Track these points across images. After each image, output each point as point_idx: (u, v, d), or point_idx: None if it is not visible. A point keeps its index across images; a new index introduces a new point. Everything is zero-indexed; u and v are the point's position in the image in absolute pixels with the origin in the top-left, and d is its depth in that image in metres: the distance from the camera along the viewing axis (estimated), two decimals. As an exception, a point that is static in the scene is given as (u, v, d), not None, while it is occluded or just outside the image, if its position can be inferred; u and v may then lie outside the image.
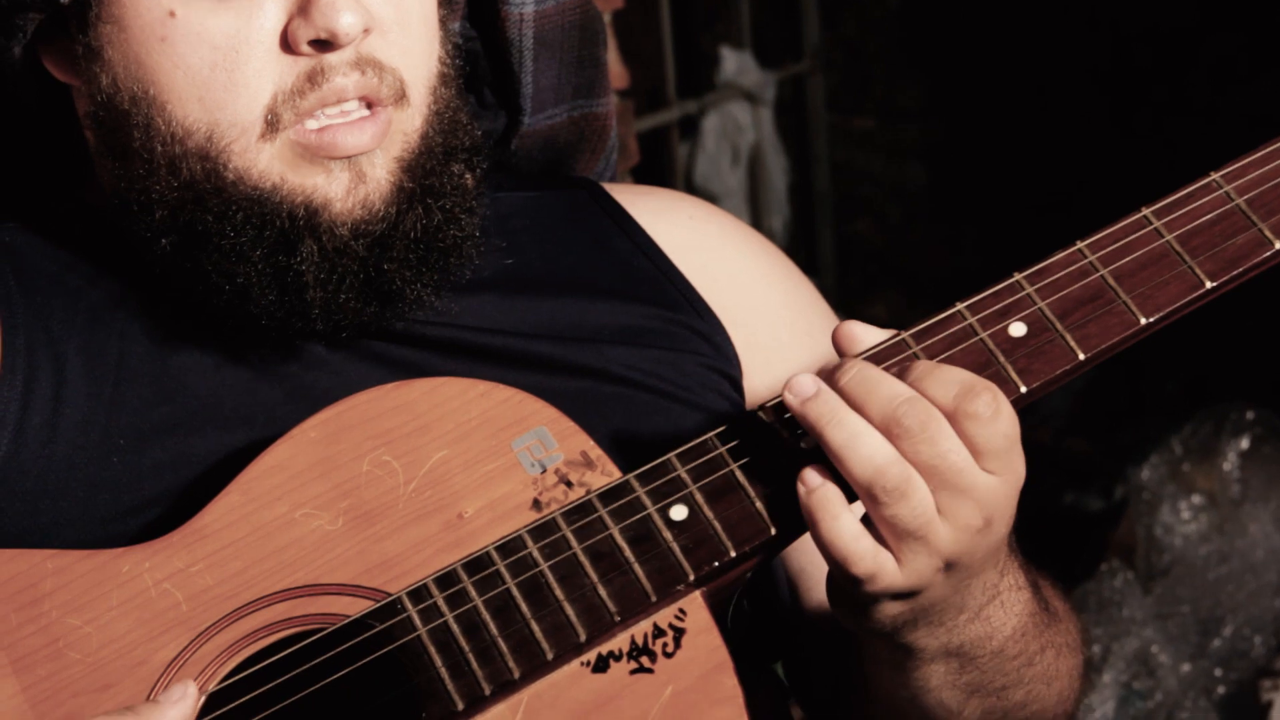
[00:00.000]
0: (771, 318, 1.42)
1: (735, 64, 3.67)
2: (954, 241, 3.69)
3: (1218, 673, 2.72)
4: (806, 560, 1.35)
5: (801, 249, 3.70)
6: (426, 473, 1.16)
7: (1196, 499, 2.88)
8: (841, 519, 1.10)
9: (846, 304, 3.49)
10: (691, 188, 3.62)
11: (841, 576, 1.12)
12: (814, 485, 1.11)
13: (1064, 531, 2.96)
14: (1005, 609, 1.20)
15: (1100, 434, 3.23)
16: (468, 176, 1.30)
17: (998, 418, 1.09)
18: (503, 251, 1.36)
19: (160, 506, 1.23)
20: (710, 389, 1.35)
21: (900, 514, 1.09)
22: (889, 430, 1.09)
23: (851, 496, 1.12)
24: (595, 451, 1.17)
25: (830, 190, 3.79)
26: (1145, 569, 2.86)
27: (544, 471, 1.17)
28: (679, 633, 1.12)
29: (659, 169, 3.51)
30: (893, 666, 1.20)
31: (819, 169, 3.77)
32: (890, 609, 1.14)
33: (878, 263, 3.79)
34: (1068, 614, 1.30)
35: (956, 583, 1.14)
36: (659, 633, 1.12)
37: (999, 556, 1.16)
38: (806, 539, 1.15)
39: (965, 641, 1.18)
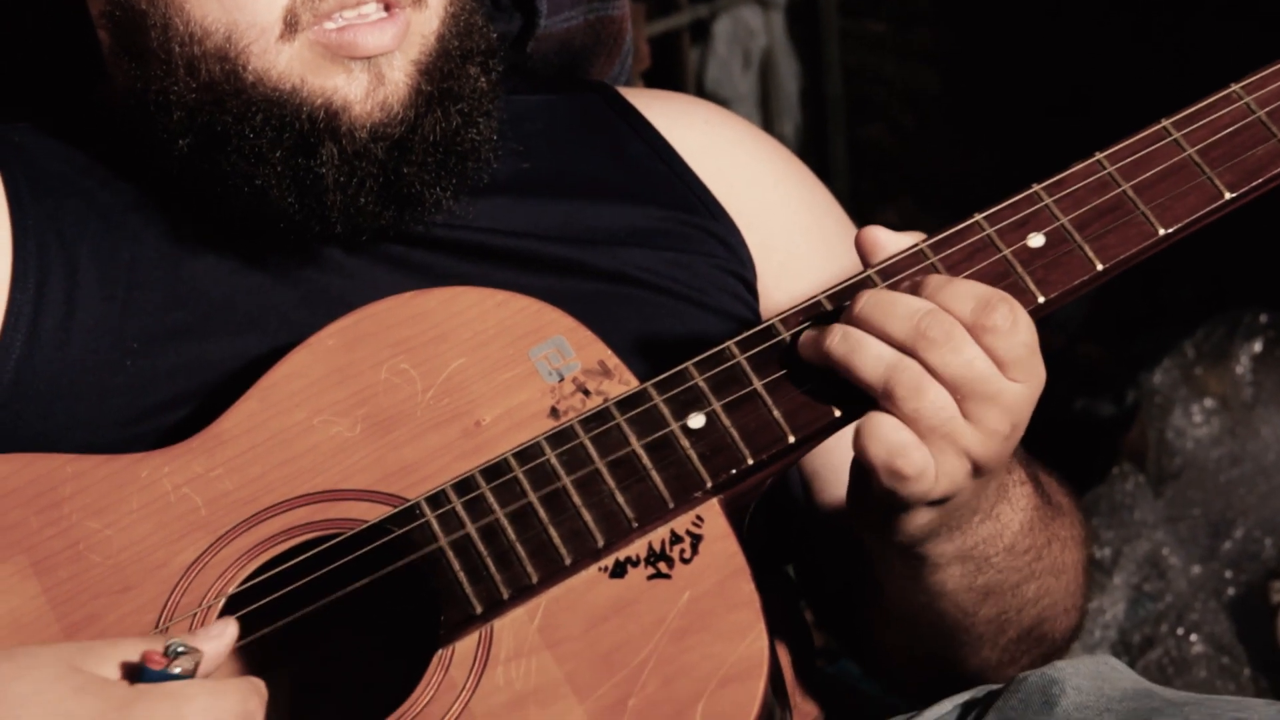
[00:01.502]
0: (787, 221, 1.42)
1: (747, -33, 3.64)
2: (967, 146, 3.67)
3: (1228, 575, 2.74)
4: (820, 462, 1.36)
5: (813, 154, 3.68)
6: (444, 380, 1.17)
7: (1208, 403, 2.89)
8: (881, 415, 1.11)
9: (859, 209, 3.48)
10: (702, 92, 3.60)
11: (887, 476, 1.11)
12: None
13: (1076, 436, 2.97)
14: (1013, 505, 1.21)
15: (1113, 340, 3.23)
16: (484, 80, 1.30)
17: (1016, 328, 1.10)
18: (518, 155, 1.36)
19: (173, 410, 1.24)
20: (725, 291, 1.35)
21: (922, 408, 1.09)
22: (914, 344, 1.10)
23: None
24: (613, 361, 1.17)
25: (842, 95, 3.76)
26: (1156, 473, 2.87)
27: (561, 380, 1.17)
28: (696, 539, 1.13)
29: (670, 73, 3.49)
30: (908, 576, 1.21)
31: (831, 74, 3.74)
32: (921, 518, 1.14)
33: (890, 168, 3.77)
34: (1071, 508, 1.31)
35: (980, 487, 1.14)
36: (676, 539, 1.13)
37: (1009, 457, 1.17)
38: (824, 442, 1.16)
39: (978, 542, 1.20)
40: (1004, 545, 1.21)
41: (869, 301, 1.12)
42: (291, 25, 1.23)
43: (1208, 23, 3.30)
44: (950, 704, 1.28)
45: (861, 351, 1.11)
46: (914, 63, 3.70)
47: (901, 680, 1.36)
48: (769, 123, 3.66)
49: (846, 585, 1.36)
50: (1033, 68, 3.55)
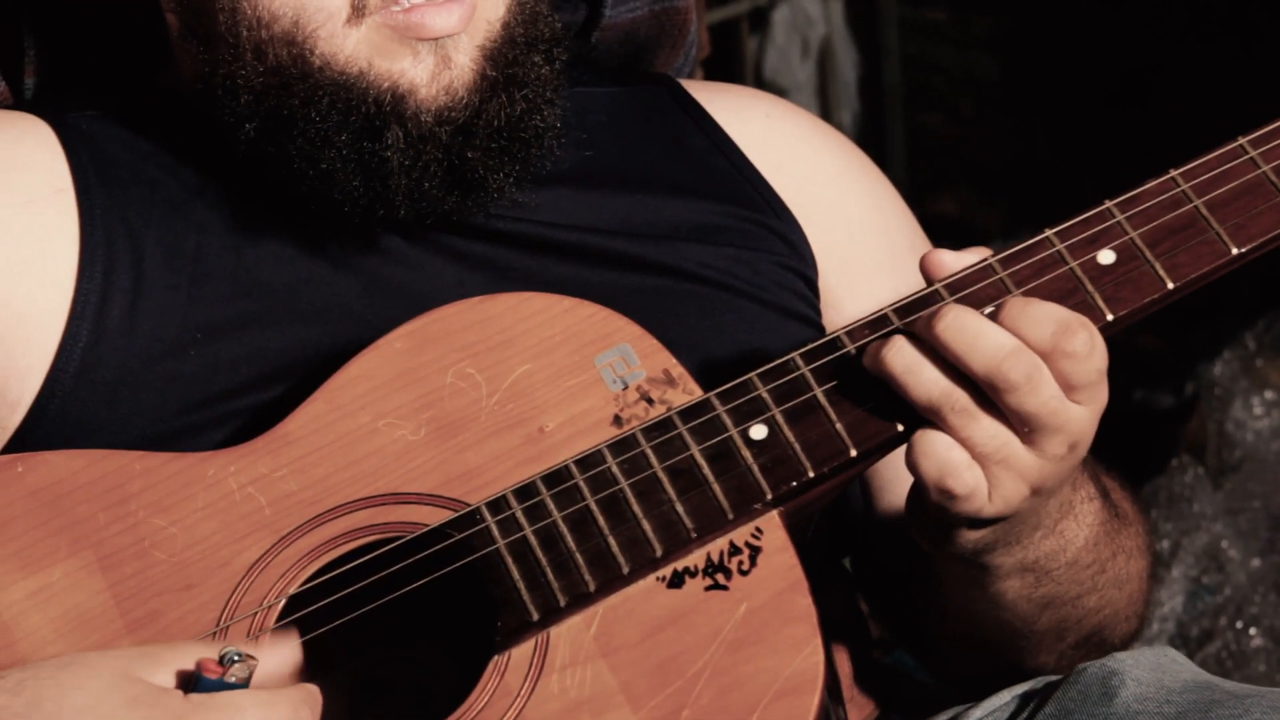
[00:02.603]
0: (849, 217, 1.41)
1: (806, -44, 3.63)
2: (1025, 134, 3.65)
3: (1287, 568, 2.73)
4: (883, 463, 1.36)
5: (871, 143, 3.67)
6: (509, 386, 1.17)
7: (1269, 394, 2.87)
8: (934, 433, 1.10)
9: (917, 198, 3.46)
10: (760, 81, 3.59)
11: (937, 494, 1.11)
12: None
13: (1135, 428, 2.96)
14: (1078, 521, 1.21)
15: (1172, 331, 3.21)
16: (548, 68, 1.30)
17: (1093, 354, 1.10)
18: (580, 146, 1.36)
19: (236, 399, 1.24)
20: (785, 288, 1.35)
21: (974, 435, 1.09)
22: (993, 384, 1.09)
23: None
24: (677, 369, 1.17)
25: (901, 83, 3.74)
26: (1216, 465, 2.86)
27: (626, 388, 1.17)
28: (755, 551, 1.12)
29: (728, 62, 3.48)
30: (968, 583, 1.21)
31: (889, 62, 3.72)
32: (973, 535, 1.14)
33: (949, 156, 3.75)
34: (1137, 516, 1.30)
35: (1037, 505, 1.14)
36: (735, 550, 1.12)
37: (1074, 473, 1.17)
38: None
39: (1040, 556, 1.19)
40: (1067, 560, 1.21)
41: (952, 324, 1.10)
42: (359, 9, 1.23)
43: (1271, 10, 3.26)
44: (1009, 695, 1.28)
45: (915, 374, 1.10)
46: (973, 51, 3.68)
47: (959, 675, 1.36)
48: (827, 111, 3.65)
49: (904, 583, 1.35)
50: (1091, 55, 3.52)
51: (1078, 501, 1.21)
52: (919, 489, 1.14)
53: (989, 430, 1.10)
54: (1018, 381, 1.09)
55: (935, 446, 1.10)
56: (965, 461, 1.10)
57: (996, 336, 1.10)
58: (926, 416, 1.11)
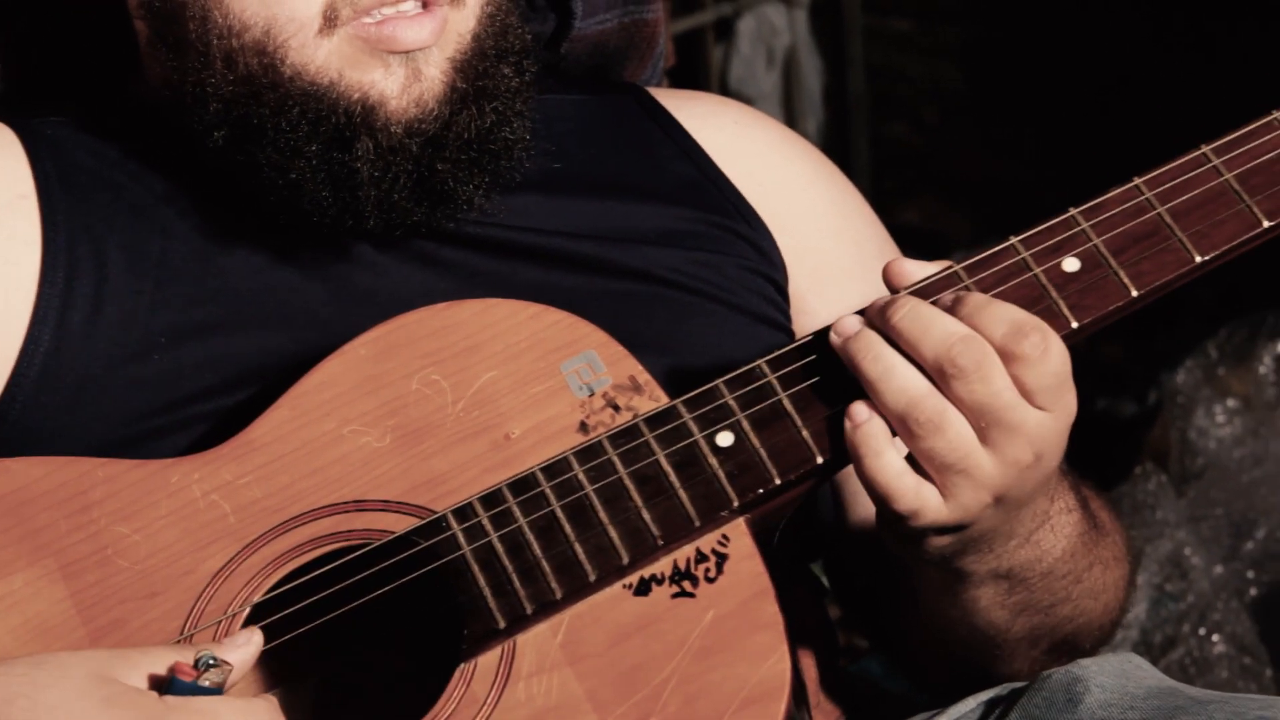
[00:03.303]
0: (819, 224, 1.42)
1: (770, -35, 3.64)
2: (991, 144, 3.66)
3: (1250, 575, 2.74)
4: (850, 473, 1.36)
5: (836, 152, 3.67)
6: (475, 393, 1.17)
7: (1231, 403, 2.88)
8: (884, 455, 1.11)
9: (882, 207, 3.46)
10: (726, 90, 3.59)
11: (886, 512, 1.12)
12: (860, 420, 1.11)
13: (1098, 436, 2.97)
14: (1055, 532, 1.21)
15: (1135, 340, 3.22)
16: (517, 79, 1.30)
17: (1046, 357, 1.09)
18: (549, 154, 1.37)
19: (199, 404, 1.24)
20: (754, 293, 1.35)
21: (937, 447, 1.10)
22: (942, 369, 1.09)
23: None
24: (643, 376, 1.17)
25: (866, 93, 3.75)
26: (1179, 472, 2.87)
27: (592, 395, 1.17)
28: (721, 558, 1.12)
29: (694, 71, 3.48)
30: (941, 589, 1.21)
31: (854, 71, 3.73)
32: (937, 541, 1.14)
33: (914, 166, 3.77)
34: (1114, 527, 1.31)
35: (1006, 514, 1.14)
36: (701, 558, 1.12)
37: (1050, 485, 1.17)
38: None
39: (1015, 565, 1.19)
40: (1043, 570, 1.21)
41: (908, 313, 1.11)
42: (331, 20, 1.23)
43: (1230, 21, 3.29)
44: (974, 701, 1.28)
45: (889, 379, 1.10)
46: (938, 60, 3.70)
47: (930, 679, 1.36)
48: (792, 121, 3.66)
49: (876, 588, 1.36)
50: (1057, 65, 3.54)
51: (1055, 513, 1.21)
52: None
53: (953, 441, 1.10)
54: (966, 367, 1.09)
55: (884, 464, 1.11)
56: (911, 483, 1.11)
57: (949, 323, 1.10)
58: (893, 426, 1.11)
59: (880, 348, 1.11)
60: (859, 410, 1.11)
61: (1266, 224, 1.16)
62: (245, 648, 1.07)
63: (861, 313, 1.14)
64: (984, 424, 1.10)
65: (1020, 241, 1.16)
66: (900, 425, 1.10)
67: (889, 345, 1.11)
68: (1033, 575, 1.21)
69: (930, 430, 1.09)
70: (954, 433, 1.10)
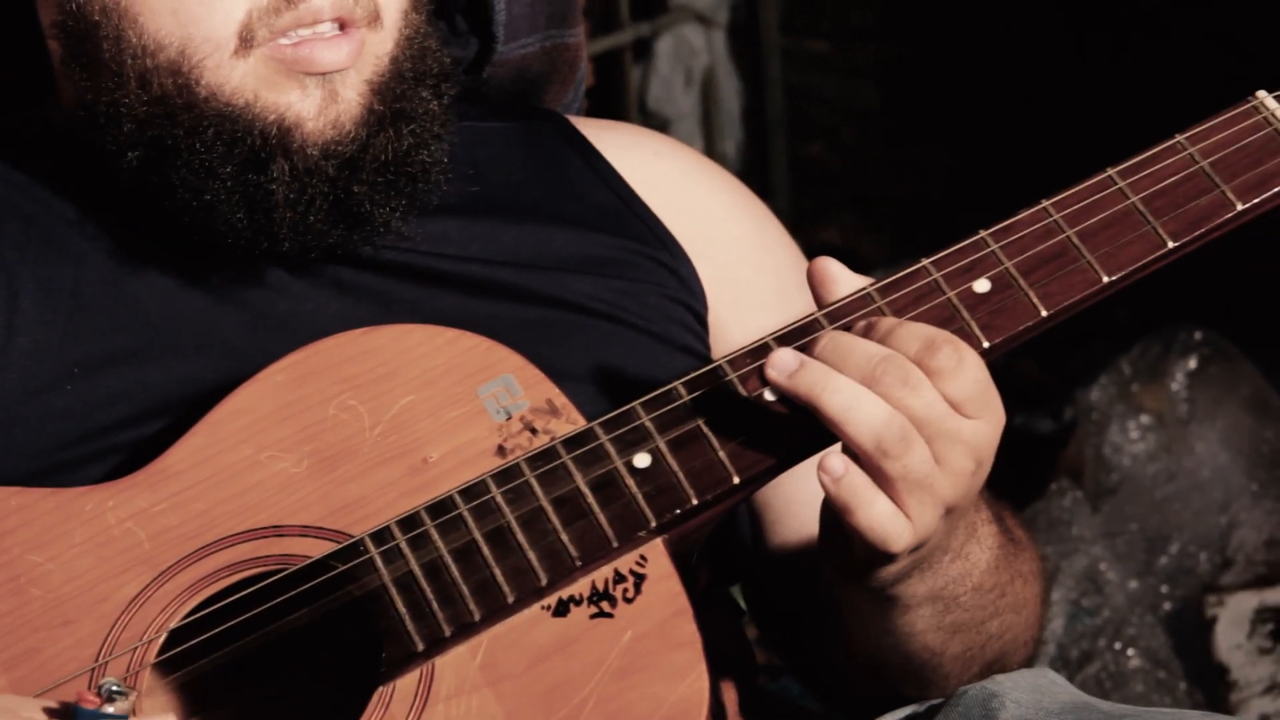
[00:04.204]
0: (737, 253, 1.42)
1: (688, -14, 3.66)
2: (908, 164, 3.69)
3: (1164, 589, 2.77)
4: (770, 496, 1.37)
5: (755, 172, 3.70)
6: (392, 417, 1.17)
7: (1145, 419, 2.91)
8: (876, 504, 1.10)
9: (800, 227, 3.50)
10: (644, 111, 3.60)
11: (867, 552, 1.12)
12: (839, 474, 1.10)
13: (1014, 452, 2.99)
14: (980, 544, 1.22)
15: (1050, 357, 3.25)
16: (436, 103, 1.30)
17: (962, 367, 1.11)
18: (468, 180, 1.37)
19: (115, 434, 1.23)
20: (672, 320, 1.36)
21: (912, 464, 1.10)
22: (871, 390, 1.10)
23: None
24: (560, 399, 1.18)
25: (783, 113, 3.78)
26: (1094, 488, 2.90)
27: (509, 418, 1.17)
28: (639, 578, 1.13)
29: (612, 92, 3.49)
30: (878, 618, 1.22)
31: (772, 92, 3.76)
32: (894, 566, 1.15)
33: (832, 186, 3.79)
34: (1028, 542, 1.32)
35: (950, 527, 1.16)
36: (620, 578, 1.13)
37: (976, 495, 1.18)
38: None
39: (948, 581, 1.20)
40: (972, 584, 1.22)
41: (826, 346, 1.12)
42: (247, 41, 1.23)
43: (1149, 42, 3.34)
44: (892, 718, 1.29)
45: (858, 407, 1.10)
46: (855, 81, 3.72)
47: (857, 706, 1.37)
48: (711, 141, 3.67)
49: (800, 617, 1.36)
50: (971, 85, 3.57)
51: (979, 524, 1.22)
52: (832, 520, 1.14)
53: (922, 455, 1.10)
54: (893, 383, 1.10)
55: (849, 477, 1.10)
56: (906, 525, 1.11)
57: (869, 347, 1.11)
58: (869, 457, 1.10)
59: (836, 378, 1.11)
60: (835, 464, 1.10)
61: (1171, 245, 1.18)
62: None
63: (768, 345, 1.15)
64: (925, 437, 1.11)
65: (932, 263, 1.18)
66: (874, 450, 1.10)
67: (843, 375, 1.11)
68: (963, 591, 1.22)
69: (904, 449, 1.10)
70: (920, 447, 1.10)
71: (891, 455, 1.10)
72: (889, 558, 1.13)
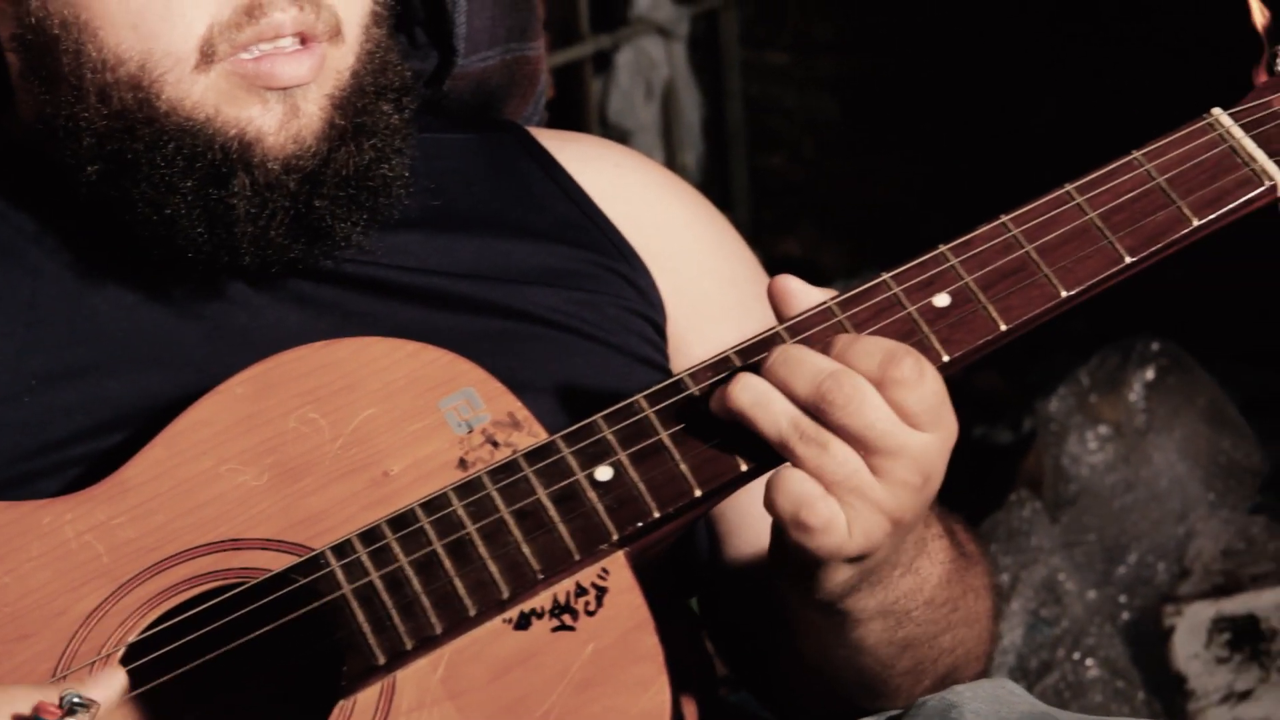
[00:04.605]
0: (698, 265, 1.43)
1: (649, -2, 3.67)
2: (868, 176, 3.71)
3: (1122, 599, 2.78)
4: (728, 510, 1.37)
5: (715, 184, 3.71)
6: (353, 430, 1.17)
7: (1103, 429, 2.93)
8: (788, 469, 1.12)
9: (761, 238, 3.51)
10: (605, 123, 3.61)
11: (795, 530, 1.12)
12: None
13: (974, 463, 3.00)
14: (931, 558, 1.23)
15: (1009, 368, 3.27)
16: (397, 116, 1.30)
17: (922, 380, 1.12)
18: (429, 192, 1.37)
19: (72, 447, 1.23)
20: (632, 333, 1.36)
21: (825, 464, 1.11)
22: (816, 404, 1.11)
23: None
24: (522, 412, 1.18)
25: (744, 125, 3.79)
26: (1053, 499, 2.91)
27: (470, 431, 1.17)
28: (601, 591, 1.13)
29: (572, 104, 3.49)
30: (829, 631, 1.22)
31: (732, 104, 3.77)
32: (840, 575, 1.15)
33: (792, 197, 3.81)
34: (980, 556, 1.33)
35: (899, 540, 1.16)
36: (581, 591, 1.13)
37: (926, 510, 1.19)
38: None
39: (900, 596, 1.21)
40: (924, 599, 1.22)
41: (778, 358, 1.13)
42: (208, 55, 1.22)
43: (1107, 56, 3.36)
44: (850, 730, 1.29)
45: (764, 407, 1.12)
46: (814, 93, 3.74)
47: (806, 715, 1.37)
48: (671, 153, 3.68)
49: (754, 630, 1.37)
50: (931, 96, 3.59)
51: (930, 538, 1.22)
52: (780, 531, 1.14)
53: (839, 456, 1.11)
54: (837, 399, 1.10)
55: (789, 481, 1.11)
56: (819, 493, 1.11)
57: (820, 361, 1.12)
58: (778, 451, 1.12)
59: (751, 379, 1.12)
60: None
61: (1129, 259, 1.19)
62: (109, 686, 1.06)
63: (730, 359, 1.16)
64: (866, 451, 1.11)
65: (892, 277, 1.18)
66: (785, 450, 1.11)
67: (756, 375, 1.13)
68: (915, 605, 1.22)
69: (818, 449, 1.10)
70: (837, 447, 1.11)
71: (803, 456, 1.11)
72: (826, 564, 1.13)
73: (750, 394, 1.12)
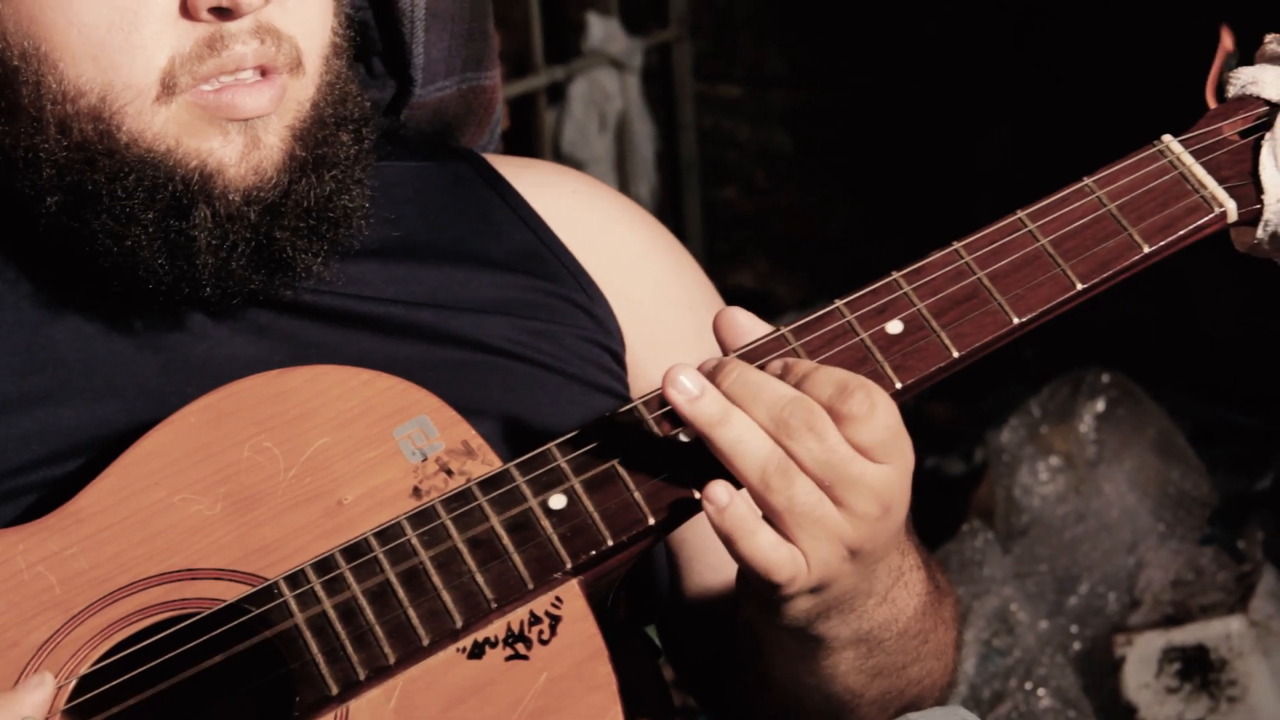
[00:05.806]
0: (655, 292, 1.43)
1: (602, 31, 3.67)
2: (821, 208, 3.73)
3: (1074, 629, 2.79)
4: (688, 532, 1.37)
5: (669, 216, 3.72)
6: (307, 459, 1.16)
7: (1054, 460, 2.94)
8: (759, 534, 1.11)
9: (715, 270, 3.51)
10: (559, 155, 3.61)
11: (761, 585, 1.13)
12: (723, 504, 1.11)
13: (927, 494, 3.02)
14: (908, 590, 1.23)
15: (961, 399, 3.28)
16: (356, 147, 1.30)
17: (873, 413, 1.12)
18: (387, 222, 1.37)
19: (25, 475, 1.22)
20: (590, 362, 1.36)
21: (796, 494, 1.11)
22: (776, 432, 1.11)
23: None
24: (476, 441, 1.17)
25: (697, 157, 3.80)
26: (1005, 529, 2.92)
27: (425, 460, 1.17)
28: (555, 620, 1.13)
29: (526, 136, 3.50)
30: (800, 658, 1.22)
31: (685, 136, 3.78)
32: (802, 604, 1.15)
33: (745, 228, 3.82)
34: (949, 588, 1.33)
35: (864, 570, 1.16)
36: (535, 620, 1.13)
37: (900, 539, 1.19)
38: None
39: (875, 626, 1.21)
40: (899, 629, 1.23)
41: (738, 380, 1.12)
42: (169, 87, 1.22)
43: (1055, 86, 3.39)
44: (808, 756, 1.29)
45: (745, 443, 1.11)
46: (767, 125, 3.76)
47: None
48: (625, 185, 3.69)
49: (716, 658, 1.36)
50: (884, 130, 3.61)
51: (907, 569, 1.22)
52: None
53: (805, 488, 1.11)
54: (798, 427, 1.10)
55: (761, 551, 1.11)
56: (789, 556, 1.11)
57: (779, 387, 1.12)
58: (745, 485, 1.12)
59: (731, 412, 1.12)
60: (719, 493, 1.11)
61: (1080, 286, 1.20)
62: (38, 690, 1.05)
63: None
64: (827, 482, 1.11)
65: (845, 304, 1.19)
66: (759, 481, 1.11)
67: (738, 409, 1.12)
68: (889, 636, 1.22)
69: (790, 479, 1.10)
70: (804, 479, 1.11)
71: (774, 487, 1.11)
72: (780, 590, 1.13)
73: (735, 431, 1.11)
